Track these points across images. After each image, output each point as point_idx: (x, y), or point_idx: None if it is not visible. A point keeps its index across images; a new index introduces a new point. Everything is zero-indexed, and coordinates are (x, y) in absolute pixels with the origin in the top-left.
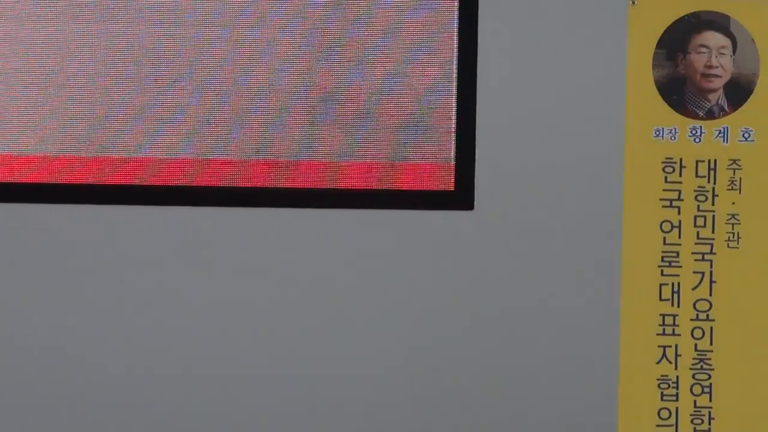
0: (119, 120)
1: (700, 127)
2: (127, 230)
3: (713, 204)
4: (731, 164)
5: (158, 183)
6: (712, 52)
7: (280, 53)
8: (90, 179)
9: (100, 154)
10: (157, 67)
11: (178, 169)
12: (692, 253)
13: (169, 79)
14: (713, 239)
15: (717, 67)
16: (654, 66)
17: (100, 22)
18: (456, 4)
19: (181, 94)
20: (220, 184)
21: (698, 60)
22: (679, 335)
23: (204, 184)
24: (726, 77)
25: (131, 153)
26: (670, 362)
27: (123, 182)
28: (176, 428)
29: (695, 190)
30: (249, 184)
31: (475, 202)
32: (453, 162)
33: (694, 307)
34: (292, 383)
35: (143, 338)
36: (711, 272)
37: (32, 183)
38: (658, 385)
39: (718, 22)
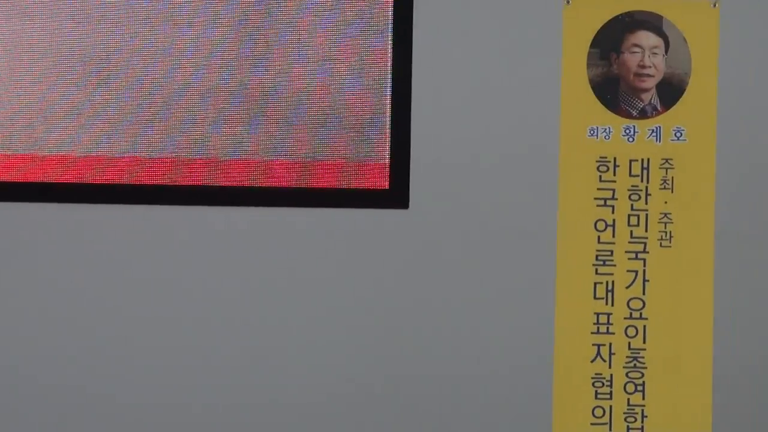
0: (56, 119)
1: (634, 126)
2: (87, 229)
3: (646, 203)
4: (664, 163)
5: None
6: (645, 52)
7: (216, 54)
8: (50, 178)
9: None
10: (100, 69)
11: (117, 167)
12: (626, 251)
13: (114, 81)
14: (646, 238)
15: (650, 66)
16: (588, 65)
17: (47, 23)
18: (391, 3)
19: (119, 95)
20: (154, 182)
21: (631, 59)
22: (613, 333)
23: (140, 182)
24: (659, 77)
25: (78, 152)
26: (605, 360)
27: (67, 181)
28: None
29: (629, 189)
30: (186, 182)
31: (410, 201)
32: (388, 161)
33: (628, 306)
34: (224, 373)
35: (104, 325)
36: (644, 271)
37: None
38: (593, 384)
39: (651, 22)
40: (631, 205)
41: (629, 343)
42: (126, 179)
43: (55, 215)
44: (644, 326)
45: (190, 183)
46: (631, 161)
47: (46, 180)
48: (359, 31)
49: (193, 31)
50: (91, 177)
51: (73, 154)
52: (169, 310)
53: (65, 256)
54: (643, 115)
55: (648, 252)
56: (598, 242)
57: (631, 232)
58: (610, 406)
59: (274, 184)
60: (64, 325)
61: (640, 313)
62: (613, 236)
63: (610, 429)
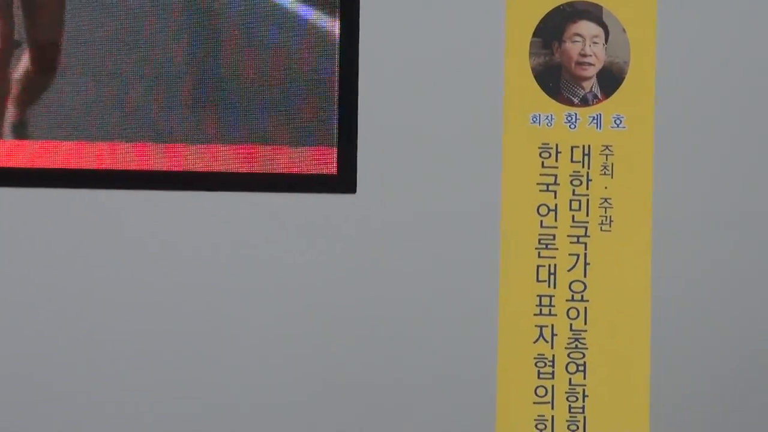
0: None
1: (575, 113)
2: (39, 214)
3: (587, 188)
4: (604, 150)
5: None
6: (586, 41)
7: (167, 41)
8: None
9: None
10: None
11: (67, 152)
12: (568, 235)
13: (69, 68)
14: (587, 222)
15: (590, 55)
16: (531, 54)
17: None
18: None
19: (79, 80)
20: (108, 167)
21: (573, 48)
22: (555, 315)
23: (94, 167)
24: (599, 65)
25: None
26: (547, 341)
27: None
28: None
29: (570, 175)
30: (135, 168)
31: (358, 186)
32: (336, 147)
33: (570, 288)
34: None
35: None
36: (585, 254)
37: None
38: (535, 364)
39: (592, 12)
40: (573, 191)
41: (571, 324)
42: (74, 164)
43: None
44: (585, 308)
45: (140, 168)
46: (572, 147)
47: None
48: (308, 22)
49: (145, 18)
50: (38, 162)
51: (29, 139)
52: (115, 296)
53: (7, 242)
54: (584, 102)
55: (589, 236)
56: (541, 226)
57: (573, 216)
58: (552, 386)
59: (225, 169)
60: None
61: (582, 296)
62: (555, 221)
63: (552, 407)
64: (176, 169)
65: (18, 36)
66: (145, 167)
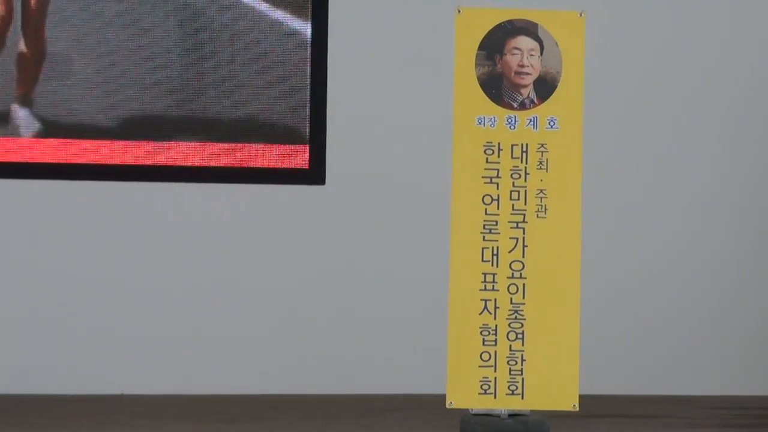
0: None
1: (515, 116)
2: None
3: (525, 181)
4: (540, 147)
5: None
6: (523, 54)
7: (156, 49)
8: None
9: None
10: None
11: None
12: (508, 222)
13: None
14: (525, 210)
15: (528, 66)
16: (476, 65)
17: None
18: (309, 9)
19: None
20: (103, 161)
21: (512, 60)
22: (498, 290)
23: (91, 161)
24: (535, 75)
25: None
26: (490, 313)
27: None
28: None
29: (511, 170)
30: (129, 162)
31: (326, 178)
32: (307, 144)
33: (510, 267)
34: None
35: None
36: (524, 238)
37: None
38: (480, 333)
39: (529, 29)
40: (513, 183)
41: (511, 298)
42: (71, 159)
43: None
44: (524, 284)
45: (135, 163)
46: (512, 145)
47: None
48: (281, 39)
49: (137, 30)
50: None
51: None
52: (105, 272)
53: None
54: (522, 107)
55: (527, 222)
56: (485, 214)
57: (513, 205)
58: (495, 352)
59: (209, 164)
60: None
61: (521, 273)
62: (498, 209)
63: (495, 370)
64: (166, 163)
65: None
66: (138, 162)
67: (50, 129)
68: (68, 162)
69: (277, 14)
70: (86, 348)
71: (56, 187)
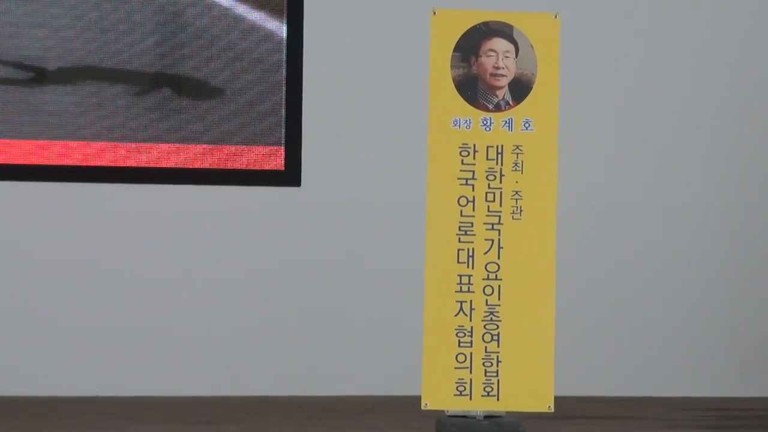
0: None
1: (490, 118)
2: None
3: (501, 182)
4: (515, 149)
5: None
6: (499, 56)
7: (138, 53)
8: None
9: None
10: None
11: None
12: (484, 223)
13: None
14: (501, 212)
15: (503, 68)
16: (452, 66)
17: None
18: (284, 11)
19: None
20: (86, 163)
21: (488, 62)
22: (473, 292)
23: (75, 164)
24: (510, 76)
25: None
26: (466, 315)
27: None
28: None
29: (486, 171)
30: (108, 164)
31: (302, 180)
32: (283, 146)
33: (486, 269)
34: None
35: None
36: (499, 240)
37: None
38: (456, 334)
39: (504, 31)
40: (488, 184)
41: (486, 300)
42: (56, 161)
43: None
44: (499, 286)
45: (114, 164)
46: (488, 147)
47: None
48: (256, 41)
49: (116, 33)
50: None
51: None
52: (90, 264)
53: None
54: (497, 108)
55: (502, 224)
56: (461, 215)
57: (488, 207)
58: (471, 353)
59: (187, 166)
60: None
61: (496, 275)
62: (473, 210)
63: (471, 372)
64: (145, 165)
65: None
66: (116, 164)
67: (27, 132)
68: (48, 164)
69: (254, 16)
70: (60, 349)
71: (35, 189)
